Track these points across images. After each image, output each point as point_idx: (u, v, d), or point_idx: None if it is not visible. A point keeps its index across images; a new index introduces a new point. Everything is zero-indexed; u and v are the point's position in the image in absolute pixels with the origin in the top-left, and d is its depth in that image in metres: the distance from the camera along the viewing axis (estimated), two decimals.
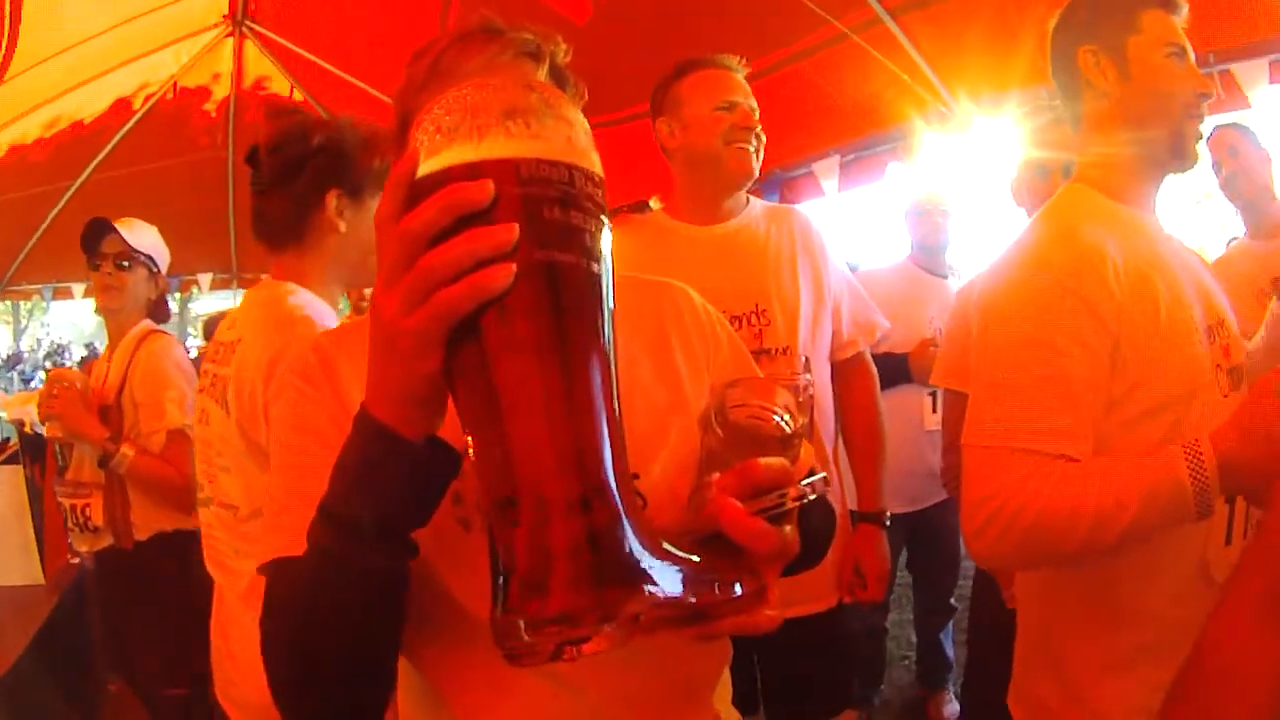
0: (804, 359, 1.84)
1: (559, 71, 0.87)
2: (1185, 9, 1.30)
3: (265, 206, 1.63)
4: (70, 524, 2.23)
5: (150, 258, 2.29)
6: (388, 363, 0.56)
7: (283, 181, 1.57)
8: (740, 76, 1.91)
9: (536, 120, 0.52)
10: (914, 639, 3.58)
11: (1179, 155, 1.31)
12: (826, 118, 4.22)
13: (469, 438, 0.53)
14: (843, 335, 2.00)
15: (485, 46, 0.82)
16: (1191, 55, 1.29)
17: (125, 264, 2.24)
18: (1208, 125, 2.62)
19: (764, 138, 1.88)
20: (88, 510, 2.17)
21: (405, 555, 0.66)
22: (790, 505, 0.59)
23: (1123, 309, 1.17)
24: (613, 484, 0.50)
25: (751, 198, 2.00)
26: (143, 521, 2.14)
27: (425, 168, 0.53)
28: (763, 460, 0.60)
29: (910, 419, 2.86)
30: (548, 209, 0.51)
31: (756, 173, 1.89)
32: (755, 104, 1.89)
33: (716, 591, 0.51)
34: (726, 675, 0.98)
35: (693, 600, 0.50)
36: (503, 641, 0.50)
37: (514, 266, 0.49)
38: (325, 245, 1.60)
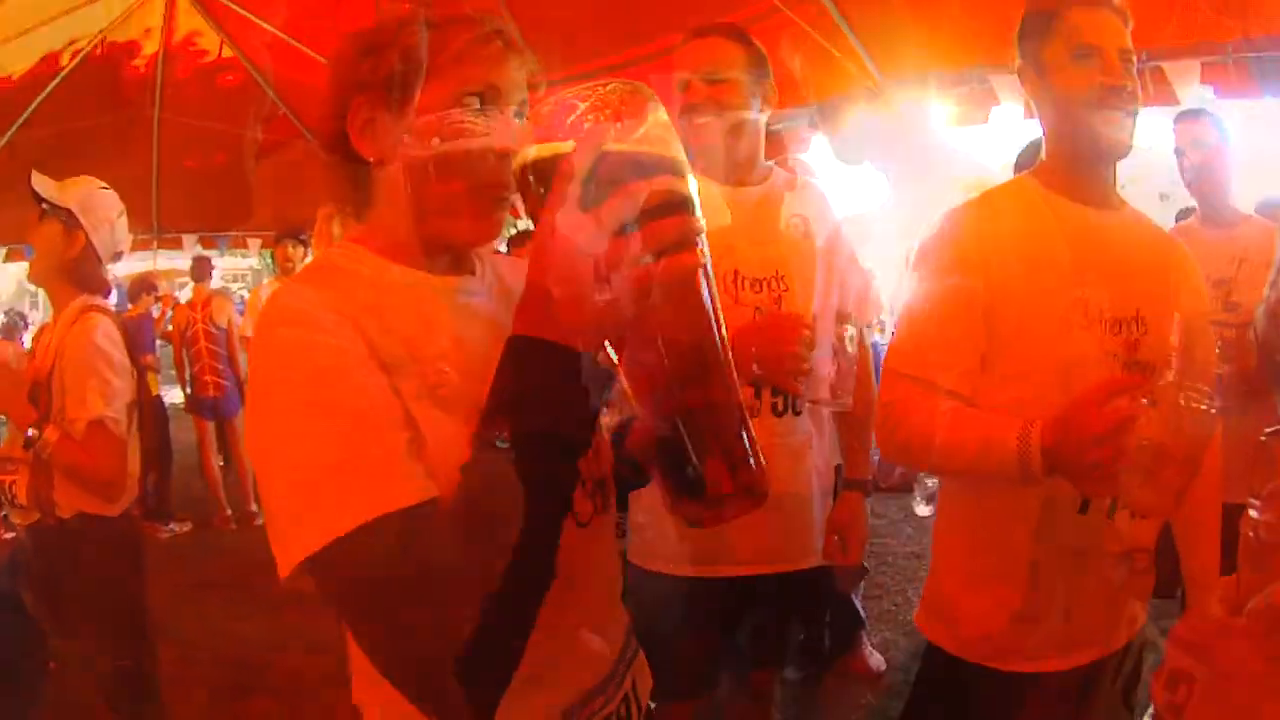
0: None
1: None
2: None
3: None
4: (2, 498, 2.24)
5: (69, 212, 2.14)
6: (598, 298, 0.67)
7: None
8: None
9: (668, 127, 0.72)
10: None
11: (1095, 148, 1.35)
12: None
13: (658, 360, 0.69)
14: (844, 311, 1.99)
15: (465, 29, 0.86)
16: (1106, 49, 1.30)
17: (40, 216, 2.14)
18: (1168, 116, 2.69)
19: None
20: (14, 488, 2.18)
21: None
22: None
23: (1002, 282, 1.36)
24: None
25: (775, 166, 2.04)
26: (65, 500, 2.13)
27: (614, 147, 0.67)
28: None
29: None
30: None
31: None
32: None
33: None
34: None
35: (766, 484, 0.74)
36: (699, 516, 0.72)
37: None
38: None
